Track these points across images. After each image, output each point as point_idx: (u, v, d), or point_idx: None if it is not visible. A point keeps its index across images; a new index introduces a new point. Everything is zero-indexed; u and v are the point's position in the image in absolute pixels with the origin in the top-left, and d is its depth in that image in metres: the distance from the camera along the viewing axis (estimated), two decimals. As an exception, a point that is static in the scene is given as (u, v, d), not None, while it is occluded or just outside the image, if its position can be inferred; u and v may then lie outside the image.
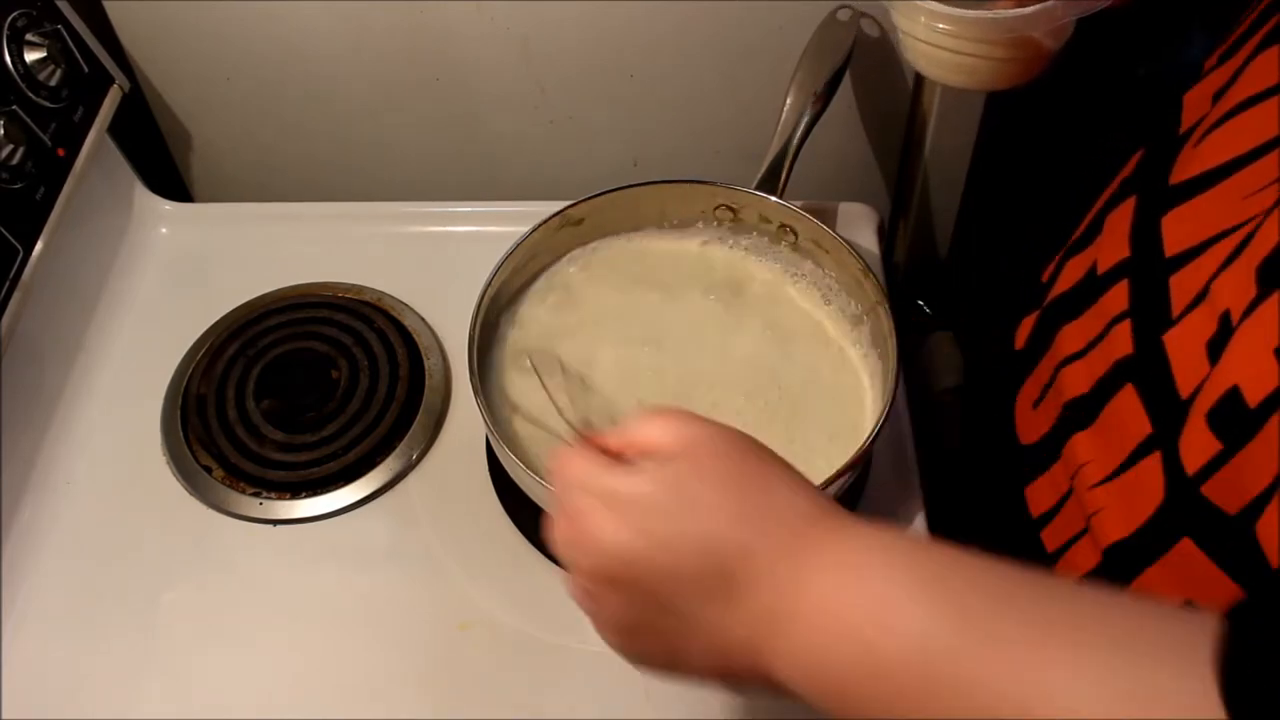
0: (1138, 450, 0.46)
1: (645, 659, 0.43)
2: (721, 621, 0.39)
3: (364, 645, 0.63)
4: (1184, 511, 0.42)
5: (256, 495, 0.69)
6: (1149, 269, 0.47)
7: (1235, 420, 0.39)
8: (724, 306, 0.71)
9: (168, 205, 0.84)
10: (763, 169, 0.71)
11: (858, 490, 0.67)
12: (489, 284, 0.66)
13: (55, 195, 0.69)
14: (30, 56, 0.67)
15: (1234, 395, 0.39)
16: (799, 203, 0.70)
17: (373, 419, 0.71)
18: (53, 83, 0.69)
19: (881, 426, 0.59)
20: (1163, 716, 0.30)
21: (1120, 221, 0.52)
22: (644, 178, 0.70)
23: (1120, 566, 0.47)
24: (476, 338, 0.64)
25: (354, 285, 0.79)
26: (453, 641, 0.63)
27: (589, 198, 0.70)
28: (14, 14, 0.67)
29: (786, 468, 0.42)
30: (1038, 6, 0.58)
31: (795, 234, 0.71)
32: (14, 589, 0.66)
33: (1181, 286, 0.45)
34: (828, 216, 0.80)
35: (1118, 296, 0.49)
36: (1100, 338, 0.50)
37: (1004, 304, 0.65)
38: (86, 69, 0.73)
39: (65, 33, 0.70)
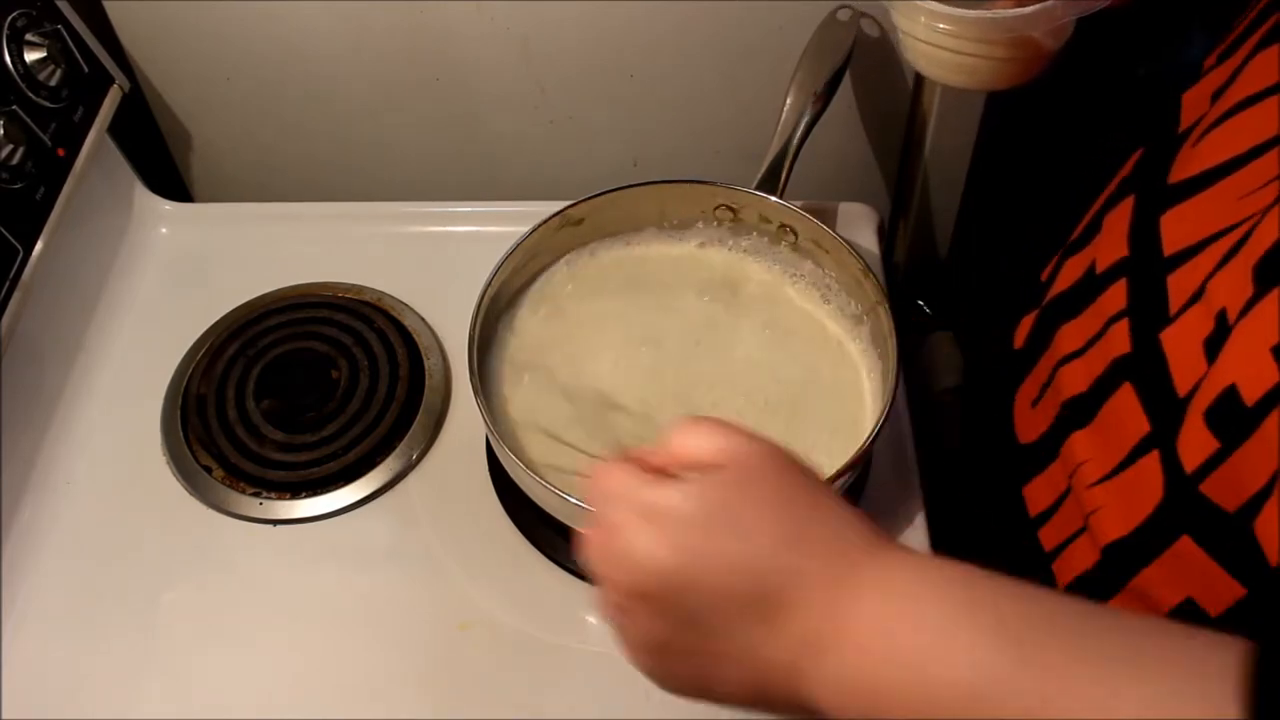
0: (1136, 449, 0.46)
1: (674, 680, 0.42)
2: (761, 644, 0.38)
3: (364, 645, 0.63)
4: (1183, 509, 0.43)
5: (256, 495, 0.69)
6: (1147, 268, 0.47)
7: (1233, 419, 0.39)
8: (722, 306, 0.71)
9: (168, 205, 0.84)
10: (763, 169, 0.71)
11: (858, 490, 0.67)
12: (489, 284, 0.66)
13: (55, 195, 0.69)
14: (30, 56, 0.67)
15: (1231, 394, 0.39)
16: (799, 203, 0.70)
17: (373, 419, 0.71)
18: (53, 83, 0.69)
19: (881, 426, 0.59)
20: None
21: (1119, 221, 0.52)
22: (644, 178, 0.70)
23: (1119, 565, 0.47)
24: (476, 338, 0.64)
25: (354, 285, 0.79)
26: (453, 641, 0.63)
27: (589, 198, 0.70)
28: (14, 14, 0.67)
29: (828, 487, 0.41)
30: (1037, 6, 0.58)
31: (795, 234, 0.71)
32: (14, 589, 0.66)
33: (1179, 285, 0.45)
34: (828, 216, 0.80)
35: (1116, 295, 0.49)
36: (1098, 337, 0.50)
37: (1004, 303, 0.65)
38: (86, 69, 0.73)
39: (65, 33, 0.71)
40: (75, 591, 0.66)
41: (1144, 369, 0.46)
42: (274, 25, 0.81)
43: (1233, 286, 0.40)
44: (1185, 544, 0.43)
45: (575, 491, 0.58)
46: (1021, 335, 0.60)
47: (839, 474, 0.58)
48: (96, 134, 0.73)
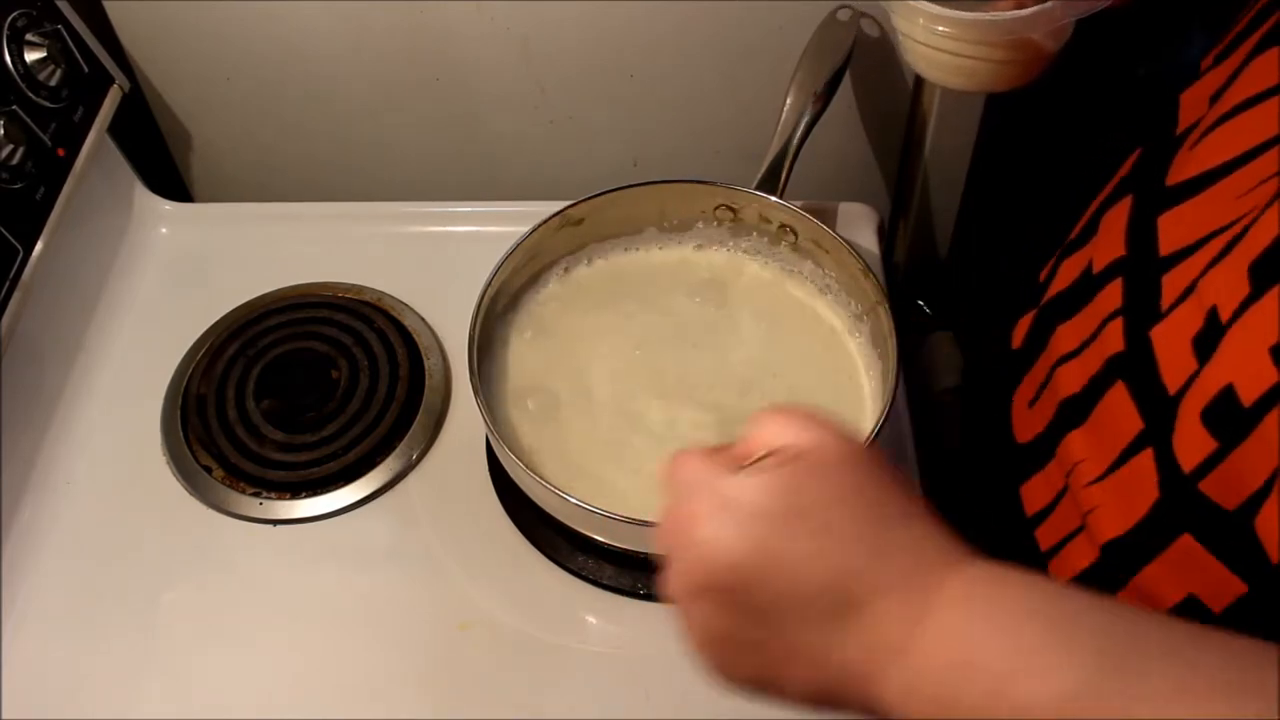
0: (1130, 447, 0.46)
1: (736, 675, 0.41)
2: (832, 645, 0.37)
3: (364, 645, 0.63)
4: (1182, 508, 0.43)
5: (256, 495, 0.69)
6: (1143, 267, 0.47)
7: (1230, 419, 0.39)
8: (714, 306, 0.71)
9: (168, 205, 0.84)
10: (763, 169, 0.72)
11: (857, 490, 0.67)
12: (489, 284, 0.66)
13: (55, 195, 0.69)
14: (30, 56, 0.67)
15: (1228, 394, 0.39)
16: (799, 203, 0.70)
17: (373, 419, 0.71)
18: (53, 83, 0.69)
19: (881, 426, 0.59)
20: None
21: (1116, 221, 0.52)
22: (644, 178, 0.70)
23: (1118, 564, 0.47)
24: (476, 338, 0.64)
25: (354, 285, 0.79)
26: (453, 641, 0.63)
27: (589, 198, 0.70)
28: (14, 14, 0.67)
29: (911, 492, 0.40)
30: (1037, 8, 0.58)
31: (795, 234, 0.71)
32: (14, 589, 0.66)
33: (1172, 283, 0.45)
34: (828, 216, 0.80)
35: (1111, 295, 0.49)
36: (1094, 336, 0.50)
37: (1003, 303, 0.65)
38: (86, 69, 0.73)
39: (65, 33, 0.71)
40: (75, 591, 0.66)
41: (1135, 367, 0.46)
42: (274, 25, 0.81)
43: (1226, 284, 0.40)
44: (1186, 542, 0.43)
45: (575, 494, 0.58)
46: (1019, 335, 0.60)
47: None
48: (96, 134, 0.73)
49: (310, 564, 0.67)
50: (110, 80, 0.75)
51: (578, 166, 0.90)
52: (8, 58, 0.66)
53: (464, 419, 0.72)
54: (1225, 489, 0.40)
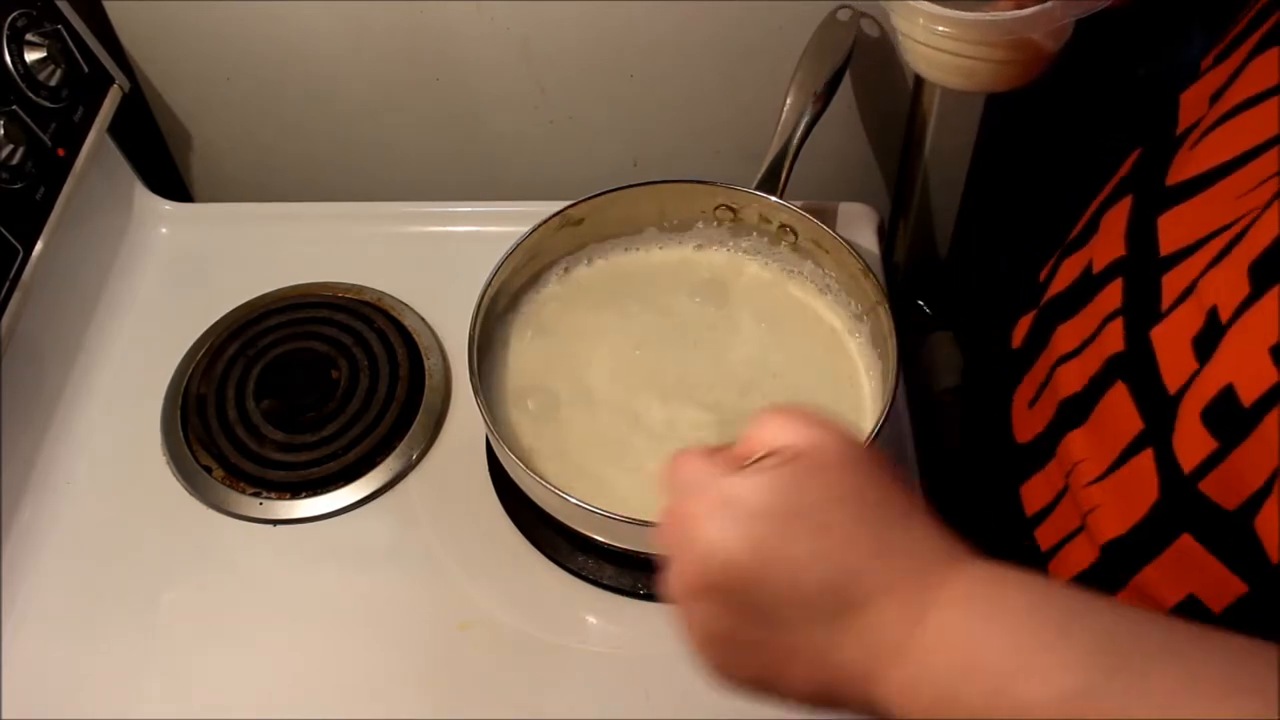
0: (1130, 447, 0.46)
1: (736, 675, 0.41)
2: (831, 645, 0.37)
3: (364, 645, 0.63)
4: (1182, 508, 0.43)
5: (256, 495, 0.69)
6: (1143, 267, 0.47)
7: (1230, 419, 0.39)
8: (714, 306, 0.71)
9: (168, 205, 0.84)
10: (763, 169, 0.71)
11: (857, 490, 0.67)
12: (489, 284, 0.66)
13: (55, 195, 0.69)
14: (30, 56, 0.67)
15: (1228, 394, 0.39)
16: (799, 203, 0.70)
17: (373, 419, 0.71)
18: (53, 83, 0.69)
19: (881, 426, 0.59)
20: None
21: (1116, 221, 0.52)
22: (644, 178, 0.70)
23: (1118, 563, 0.47)
24: (476, 338, 0.64)
25: (354, 285, 0.79)
26: (453, 641, 0.63)
27: (589, 198, 0.70)
28: (14, 14, 0.67)
29: (911, 493, 0.40)
30: (1037, 8, 0.58)
31: (795, 234, 0.71)
32: (14, 589, 0.66)
33: (1172, 283, 0.45)
34: (828, 216, 0.80)
35: (1111, 295, 0.49)
36: (1094, 336, 0.50)
37: (1003, 303, 0.65)
38: (86, 69, 0.73)
39: (65, 33, 0.71)
40: (75, 591, 0.66)
41: (1135, 367, 0.46)
42: (274, 25, 0.81)
43: (1226, 284, 0.40)
44: (1186, 542, 0.43)
45: (575, 494, 0.58)
46: (1019, 335, 0.60)
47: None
48: (96, 134, 0.73)
49: (310, 564, 0.67)
50: (110, 80, 0.75)
51: (578, 166, 0.90)
52: (8, 58, 0.66)
53: (464, 419, 0.72)
54: (1225, 489, 0.40)
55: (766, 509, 0.38)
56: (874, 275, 0.66)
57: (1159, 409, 0.44)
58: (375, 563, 0.67)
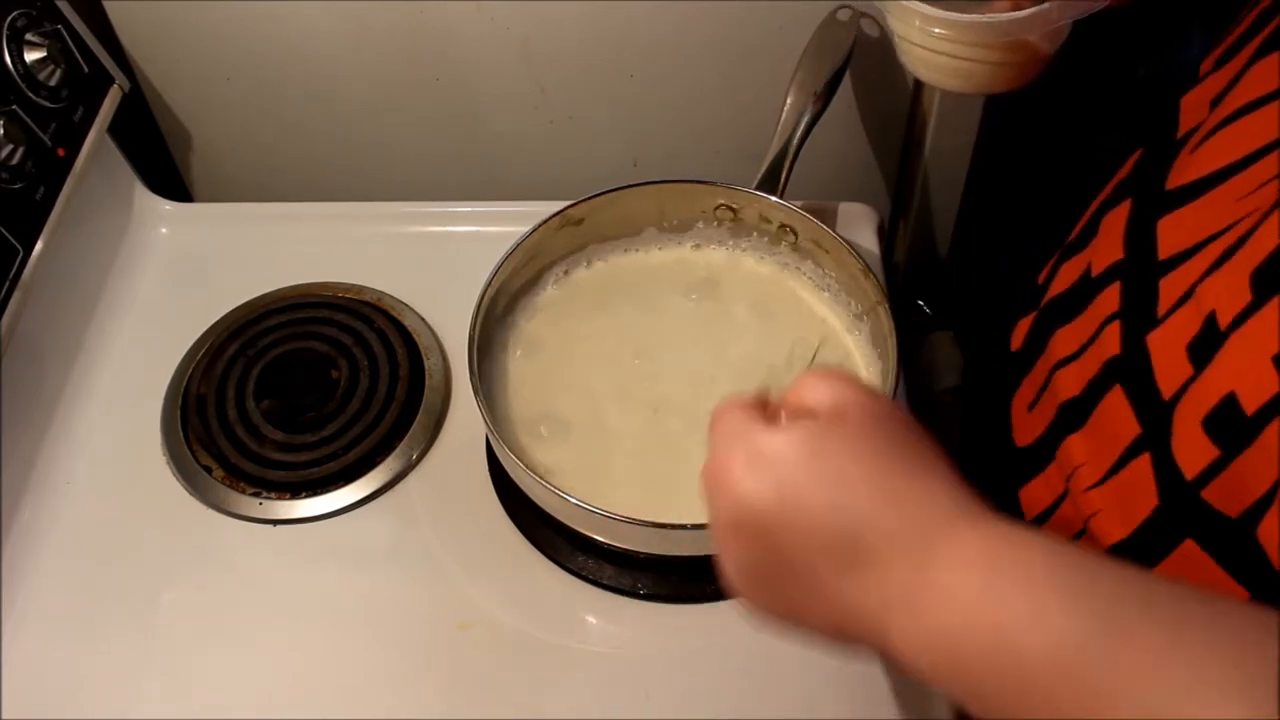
0: (1127, 452, 0.46)
1: (765, 608, 0.44)
2: (845, 591, 0.40)
3: (364, 645, 0.63)
4: (1184, 515, 0.42)
5: (256, 495, 0.69)
6: (1142, 271, 0.47)
7: (1232, 427, 0.39)
8: (711, 301, 0.71)
9: (168, 205, 0.84)
10: (763, 169, 0.72)
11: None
12: (489, 284, 0.66)
13: (55, 195, 0.69)
14: (30, 56, 0.67)
15: (1230, 402, 0.39)
16: (799, 203, 0.70)
17: (373, 419, 0.71)
18: (53, 83, 0.69)
19: (881, 427, 0.59)
20: None
21: (1115, 224, 0.52)
22: (644, 178, 0.70)
23: None
24: (476, 338, 0.64)
25: (354, 285, 0.79)
26: (453, 641, 0.63)
27: (589, 198, 0.70)
28: (14, 14, 0.67)
29: (934, 448, 0.42)
30: (1033, 10, 0.58)
31: (795, 234, 0.71)
32: (14, 589, 0.66)
33: (1170, 288, 0.45)
34: (828, 216, 0.80)
35: (1110, 298, 0.49)
36: (1092, 340, 0.50)
37: (1003, 304, 0.65)
38: (86, 69, 0.73)
39: (65, 33, 0.71)
40: (75, 591, 0.66)
41: (1132, 371, 0.46)
42: (274, 25, 0.81)
43: (1226, 290, 0.40)
44: (1189, 548, 0.43)
45: (575, 494, 0.58)
46: (1019, 338, 0.60)
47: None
48: (96, 134, 0.73)
49: (310, 564, 0.67)
50: (110, 80, 0.75)
51: (578, 166, 0.91)
52: (8, 58, 0.66)
53: (464, 419, 0.72)
54: (1228, 497, 0.40)
55: (792, 462, 0.41)
56: (874, 275, 0.66)
57: (1154, 414, 0.44)
58: (375, 563, 0.67)
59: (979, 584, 0.37)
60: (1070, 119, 0.83)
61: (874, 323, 0.67)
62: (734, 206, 0.72)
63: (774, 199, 0.70)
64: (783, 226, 0.71)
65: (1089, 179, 0.60)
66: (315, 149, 0.92)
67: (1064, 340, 0.53)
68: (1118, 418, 0.46)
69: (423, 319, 0.77)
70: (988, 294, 0.83)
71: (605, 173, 0.84)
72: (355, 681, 0.62)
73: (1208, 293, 0.42)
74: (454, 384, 0.74)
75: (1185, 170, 0.47)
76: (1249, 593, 0.41)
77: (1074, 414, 0.51)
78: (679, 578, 0.64)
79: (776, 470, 0.41)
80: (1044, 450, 0.54)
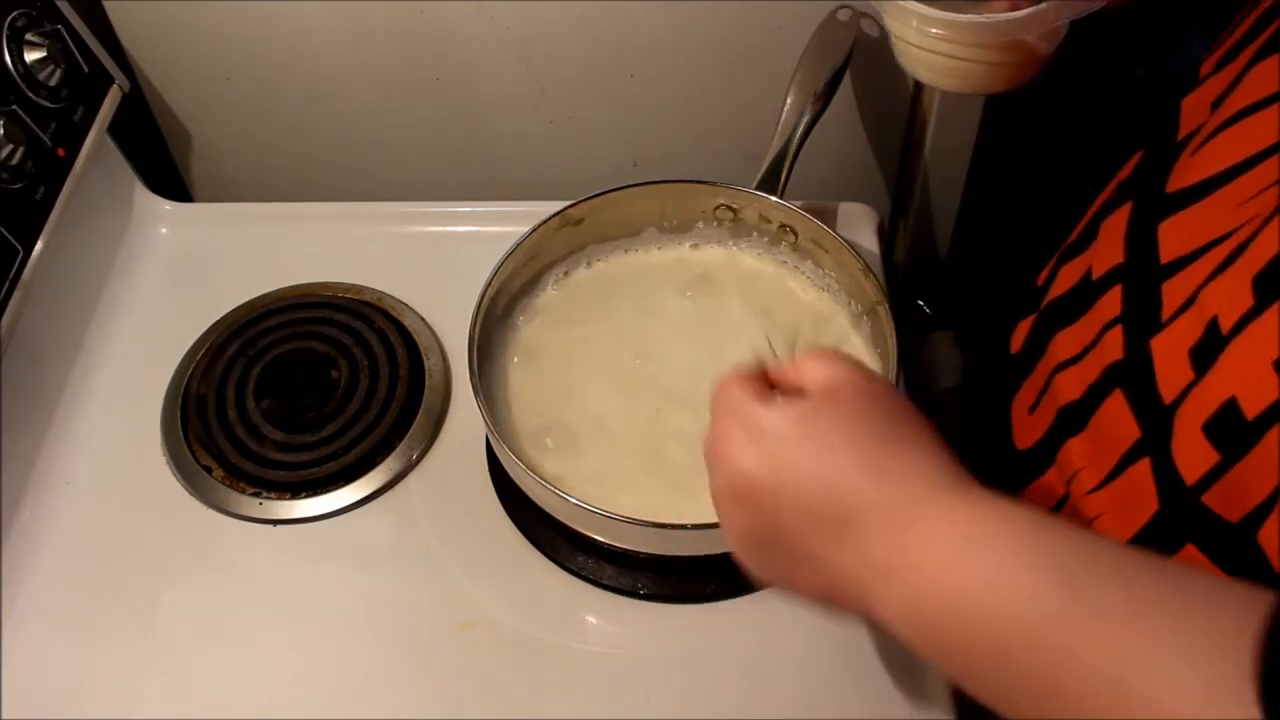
0: (1127, 456, 0.46)
1: (762, 571, 0.47)
2: (832, 558, 0.42)
3: (364, 645, 0.63)
4: (1185, 519, 0.42)
5: (256, 495, 0.69)
6: (1143, 275, 0.47)
7: (1233, 432, 0.39)
8: (707, 298, 0.71)
9: (168, 205, 0.84)
10: (763, 169, 0.72)
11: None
12: (489, 284, 0.66)
13: (55, 195, 0.69)
14: (30, 56, 0.67)
15: (1231, 407, 0.39)
16: (799, 203, 0.70)
17: (373, 419, 0.71)
18: (53, 83, 0.69)
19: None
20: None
21: (1116, 227, 0.52)
22: (644, 178, 0.70)
23: None
24: (476, 338, 0.64)
25: (354, 285, 0.79)
26: (453, 641, 0.63)
27: (589, 198, 0.70)
28: (14, 14, 0.67)
29: (925, 425, 0.44)
30: (1030, 10, 0.58)
31: (795, 234, 0.71)
32: (14, 589, 0.66)
33: (1173, 292, 0.45)
34: (828, 216, 0.80)
35: (1111, 302, 0.49)
36: (1093, 344, 0.50)
37: (1003, 304, 0.65)
38: (86, 69, 0.73)
39: (65, 33, 0.71)
40: (75, 591, 0.66)
41: (1134, 375, 0.46)
42: (274, 25, 0.81)
43: (1228, 295, 0.40)
44: (1190, 553, 0.43)
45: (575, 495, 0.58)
46: (1018, 340, 0.60)
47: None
48: (96, 134, 0.73)
49: (310, 564, 0.67)
50: (110, 80, 0.75)
51: (578, 166, 0.91)
52: (8, 58, 0.66)
53: (464, 419, 0.72)
54: (1228, 502, 0.40)
55: (785, 435, 0.43)
56: (874, 275, 0.66)
57: (1155, 418, 0.44)
58: (375, 563, 0.67)
59: (951, 552, 0.39)
60: (1070, 119, 0.83)
61: (874, 323, 0.67)
62: (734, 206, 0.72)
63: (774, 199, 0.70)
64: (783, 226, 0.71)
65: (1089, 179, 0.60)
66: (315, 149, 0.92)
67: (1064, 343, 0.53)
68: (1118, 422, 0.46)
69: (423, 319, 0.77)
70: (988, 294, 0.83)
71: (605, 173, 0.84)
72: (355, 681, 0.62)
73: (1210, 298, 0.42)
74: (454, 384, 0.74)
75: (1186, 173, 0.47)
76: None
77: (1074, 418, 0.51)
78: (679, 578, 0.64)
79: (772, 446, 0.43)
80: (1044, 453, 0.54)
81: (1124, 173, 0.55)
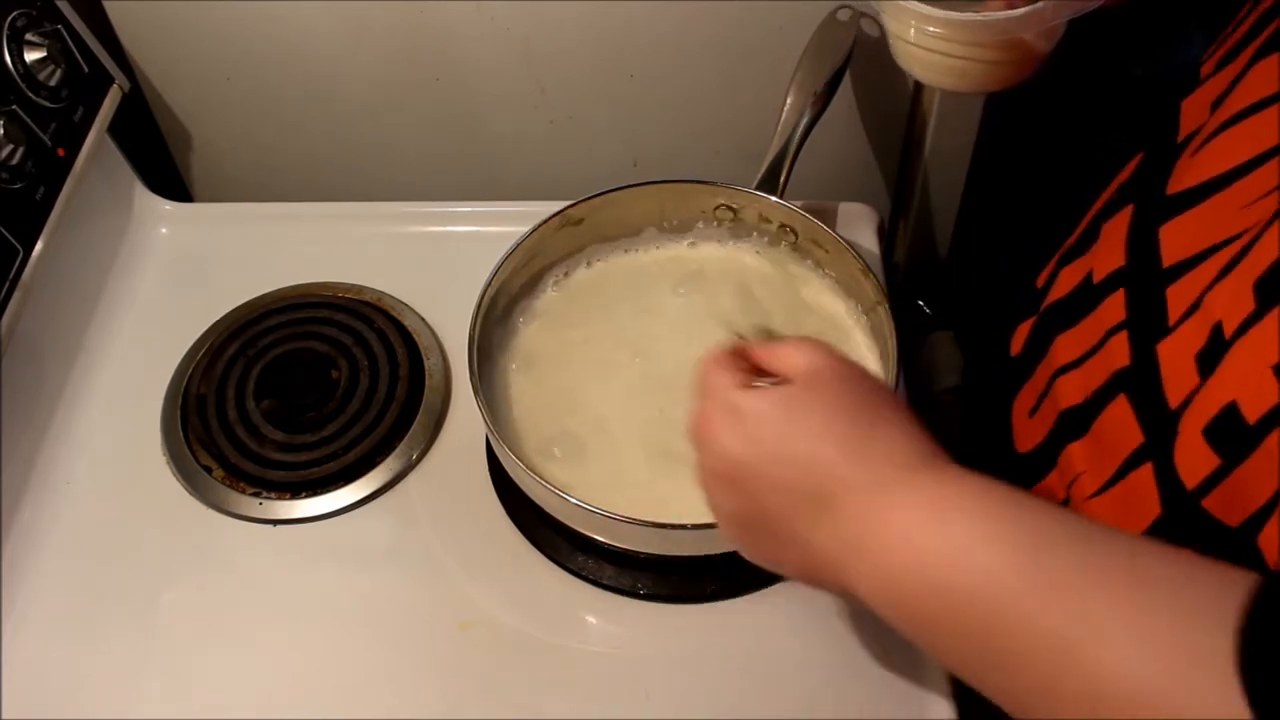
0: (1129, 461, 0.46)
1: (749, 550, 0.49)
2: (810, 535, 0.44)
3: (364, 645, 0.63)
4: (1185, 524, 0.42)
5: (256, 495, 0.69)
6: (1146, 279, 0.47)
7: (1233, 436, 0.39)
8: (701, 294, 0.71)
9: (168, 205, 0.84)
10: (763, 169, 0.72)
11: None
12: (489, 284, 0.66)
13: (55, 195, 0.69)
14: (30, 56, 0.67)
15: (1232, 411, 0.39)
16: (799, 203, 0.70)
17: (373, 419, 0.71)
18: (53, 83, 0.69)
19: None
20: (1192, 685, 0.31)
21: (1117, 230, 0.51)
22: (644, 178, 0.70)
23: None
24: (476, 338, 0.64)
25: (354, 285, 0.79)
26: (453, 641, 0.63)
27: (589, 198, 0.70)
28: (14, 14, 0.67)
29: (900, 409, 0.46)
30: (1028, 8, 0.58)
31: (795, 234, 0.71)
32: (14, 589, 0.66)
33: (1178, 297, 0.45)
34: (828, 216, 0.80)
35: (1114, 306, 0.49)
36: (1097, 348, 0.50)
37: (1003, 305, 0.65)
38: (86, 69, 0.73)
39: (65, 33, 0.71)
40: (75, 591, 0.66)
41: (1139, 381, 0.46)
42: (274, 25, 0.81)
43: (1231, 300, 0.40)
44: None
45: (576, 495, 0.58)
46: (1018, 342, 0.60)
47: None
48: (96, 134, 0.73)
49: (310, 564, 0.67)
50: (110, 80, 0.75)
51: (578, 166, 0.91)
52: (8, 58, 0.66)
53: (464, 419, 0.72)
54: (1228, 506, 0.40)
55: (766, 418, 0.45)
56: (874, 275, 0.66)
57: (1159, 423, 0.44)
58: (375, 563, 0.67)
59: (918, 524, 0.41)
60: (1070, 119, 0.83)
61: (874, 322, 0.67)
62: (734, 206, 0.72)
63: (774, 199, 0.70)
64: (783, 226, 0.71)
65: (1089, 180, 0.60)
66: (315, 149, 0.92)
67: (1065, 346, 0.53)
68: (1121, 427, 0.46)
69: (423, 319, 0.77)
70: (988, 294, 0.83)
71: (605, 173, 0.84)
72: (355, 681, 0.62)
73: (1214, 302, 0.42)
74: (454, 384, 0.74)
75: (1186, 175, 0.47)
76: None
77: (1076, 422, 0.51)
78: (679, 578, 0.64)
79: (754, 430, 0.45)
80: (1045, 457, 0.54)
81: (1124, 174, 0.55)
